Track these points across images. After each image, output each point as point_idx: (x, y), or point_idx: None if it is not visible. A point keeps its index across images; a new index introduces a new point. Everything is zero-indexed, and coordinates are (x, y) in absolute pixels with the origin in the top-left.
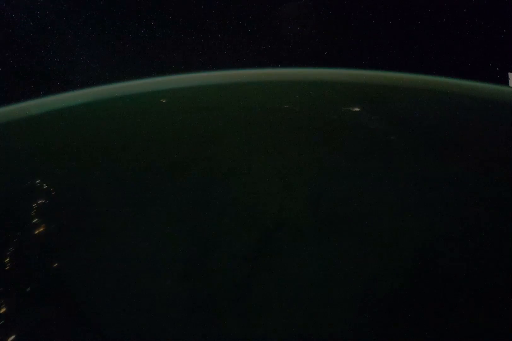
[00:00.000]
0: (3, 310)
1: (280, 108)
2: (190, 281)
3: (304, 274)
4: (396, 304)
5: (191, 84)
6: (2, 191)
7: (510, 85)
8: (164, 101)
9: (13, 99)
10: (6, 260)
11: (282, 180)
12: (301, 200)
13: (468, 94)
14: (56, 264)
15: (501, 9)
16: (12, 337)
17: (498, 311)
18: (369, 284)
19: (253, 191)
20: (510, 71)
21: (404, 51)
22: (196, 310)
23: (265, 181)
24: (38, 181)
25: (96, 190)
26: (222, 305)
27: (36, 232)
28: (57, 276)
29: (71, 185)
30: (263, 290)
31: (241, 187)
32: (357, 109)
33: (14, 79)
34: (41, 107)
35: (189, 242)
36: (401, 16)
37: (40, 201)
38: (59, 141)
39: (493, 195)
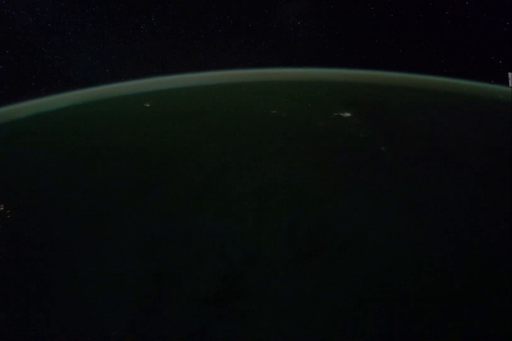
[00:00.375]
0: None
1: (267, 114)
2: (142, 329)
3: (276, 322)
4: None
5: (184, 85)
6: None
7: (510, 85)
8: (148, 105)
9: (13, 99)
10: None
11: (258, 201)
12: (277, 228)
13: (468, 94)
14: None
15: (501, 8)
16: None
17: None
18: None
19: (224, 216)
20: (510, 71)
21: (403, 51)
22: None
23: (239, 204)
24: None
25: (58, 212)
26: None
27: None
28: None
29: (32, 206)
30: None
31: (210, 210)
32: (348, 114)
33: (14, 77)
34: (30, 109)
35: (144, 279)
36: (400, 15)
37: None
38: (26, 154)
39: (494, 199)
